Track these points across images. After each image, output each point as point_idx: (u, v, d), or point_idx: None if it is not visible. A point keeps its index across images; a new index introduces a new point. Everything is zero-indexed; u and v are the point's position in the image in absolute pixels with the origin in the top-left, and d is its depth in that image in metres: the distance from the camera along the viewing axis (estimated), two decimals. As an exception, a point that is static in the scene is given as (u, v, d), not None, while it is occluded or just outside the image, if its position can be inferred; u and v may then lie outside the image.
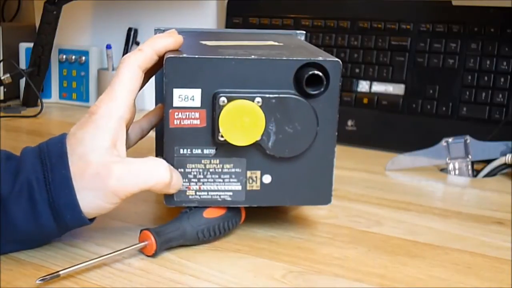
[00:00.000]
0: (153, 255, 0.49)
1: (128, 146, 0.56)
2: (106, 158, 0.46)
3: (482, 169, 0.77)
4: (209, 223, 0.51)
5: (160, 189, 0.49)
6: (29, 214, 0.46)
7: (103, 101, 0.48)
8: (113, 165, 0.46)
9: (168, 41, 0.50)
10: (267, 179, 0.52)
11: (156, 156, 0.67)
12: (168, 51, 0.50)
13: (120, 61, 0.50)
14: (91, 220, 0.49)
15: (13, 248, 0.48)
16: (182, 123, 0.49)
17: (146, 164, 0.48)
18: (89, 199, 0.46)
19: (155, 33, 0.59)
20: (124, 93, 0.48)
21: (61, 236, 0.50)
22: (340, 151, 0.53)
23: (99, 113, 0.47)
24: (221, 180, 0.51)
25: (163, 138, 0.50)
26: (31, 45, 1.11)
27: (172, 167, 0.50)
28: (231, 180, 0.51)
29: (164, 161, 0.49)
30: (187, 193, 0.51)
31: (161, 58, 0.51)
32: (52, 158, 0.46)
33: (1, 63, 1.15)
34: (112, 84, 0.49)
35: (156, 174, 0.48)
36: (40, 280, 0.43)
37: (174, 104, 0.49)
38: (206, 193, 0.52)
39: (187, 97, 0.49)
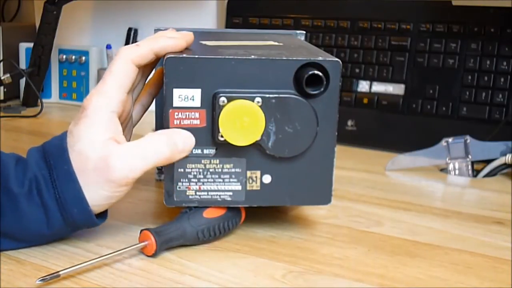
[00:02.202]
0: (153, 255, 0.49)
1: (133, 125, 0.57)
2: (103, 152, 0.47)
3: (482, 169, 0.77)
4: (209, 223, 0.51)
5: (169, 162, 0.49)
6: (38, 211, 0.47)
7: (94, 95, 0.49)
8: (110, 157, 0.46)
9: (168, 42, 0.50)
10: (267, 179, 0.52)
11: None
12: (168, 52, 0.50)
13: (115, 53, 0.51)
14: (100, 219, 0.50)
15: (23, 246, 0.49)
16: (182, 123, 0.49)
17: (141, 146, 0.48)
18: (95, 192, 0.47)
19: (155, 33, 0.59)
20: (115, 87, 0.49)
21: (68, 235, 0.50)
22: (340, 151, 0.53)
23: (91, 108, 0.48)
24: (221, 180, 0.51)
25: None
26: (31, 45, 1.11)
27: (175, 131, 0.49)
28: (231, 180, 0.51)
29: (162, 135, 0.49)
30: (187, 193, 0.51)
31: (159, 58, 0.51)
32: (54, 156, 0.47)
33: (1, 63, 1.15)
34: (104, 77, 0.49)
35: (153, 152, 0.48)
36: (40, 280, 0.43)
37: (174, 104, 0.49)
38: (206, 193, 0.52)
39: (187, 97, 0.49)
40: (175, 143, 0.49)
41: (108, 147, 0.47)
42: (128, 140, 0.55)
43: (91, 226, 0.50)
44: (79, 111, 0.49)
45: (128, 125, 0.55)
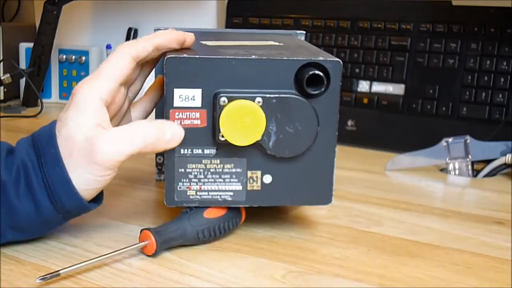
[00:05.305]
0: (153, 255, 0.49)
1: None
2: (89, 134, 0.47)
3: (482, 169, 0.77)
4: (210, 223, 0.51)
5: (155, 149, 0.49)
6: (27, 196, 0.46)
7: (86, 81, 0.49)
8: (96, 139, 0.46)
9: (167, 36, 0.50)
10: (267, 179, 0.52)
11: (156, 156, 0.67)
12: (169, 48, 0.50)
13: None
14: (93, 204, 0.49)
15: (15, 236, 0.48)
16: (182, 123, 0.49)
17: (127, 130, 0.48)
18: (81, 176, 0.47)
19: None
20: (109, 75, 0.49)
21: (63, 223, 0.50)
22: (340, 151, 0.53)
23: (80, 92, 0.48)
24: (222, 180, 0.51)
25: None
26: (31, 45, 1.11)
27: (166, 122, 0.49)
28: (232, 180, 0.51)
29: (151, 122, 0.49)
30: (188, 193, 0.51)
31: (160, 54, 0.51)
32: (42, 141, 0.48)
33: (1, 63, 1.15)
34: (100, 67, 0.50)
35: (140, 135, 0.48)
36: (40, 279, 0.43)
37: (175, 104, 0.49)
38: (206, 193, 0.52)
39: (187, 97, 0.49)
40: (164, 132, 0.49)
41: (94, 130, 0.47)
42: None
43: (82, 210, 0.49)
44: (70, 98, 0.49)
45: (117, 119, 0.54)
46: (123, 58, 0.49)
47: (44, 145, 0.47)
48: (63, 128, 0.47)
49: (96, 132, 0.47)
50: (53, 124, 0.49)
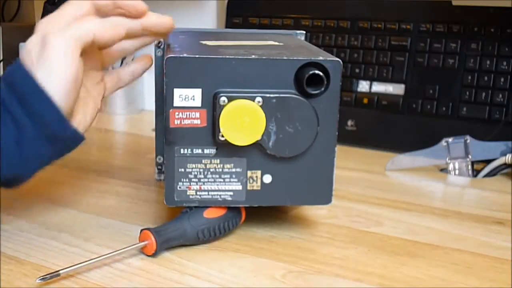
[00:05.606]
0: (153, 255, 0.49)
1: (105, 94, 0.56)
2: (40, 35, 0.46)
3: (482, 169, 0.77)
4: (210, 223, 0.51)
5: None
6: (6, 121, 0.45)
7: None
8: (47, 36, 0.45)
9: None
10: (267, 179, 0.52)
11: (156, 156, 0.67)
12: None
13: None
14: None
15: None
16: (182, 123, 0.49)
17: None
18: (48, 82, 0.45)
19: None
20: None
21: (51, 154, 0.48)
22: (340, 151, 0.53)
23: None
24: (222, 180, 0.51)
25: (164, 138, 0.50)
26: (31, 45, 1.11)
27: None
28: (232, 180, 0.51)
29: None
30: (188, 193, 0.51)
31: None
32: (16, 77, 0.46)
33: (1, 63, 1.15)
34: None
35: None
36: (40, 279, 0.43)
37: (175, 104, 0.49)
38: (206, 193, 0.52)
39: (187, 97, 0.49)
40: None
41: (43, 30, 0.46)
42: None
43: (63, 124, 0.47)
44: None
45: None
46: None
47: (15, 75, 0.46)
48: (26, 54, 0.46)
49: (46, 31, 0.46)
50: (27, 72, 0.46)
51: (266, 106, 0.49)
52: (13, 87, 0.46)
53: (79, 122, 0.50)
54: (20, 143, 0.45)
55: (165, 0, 1.12)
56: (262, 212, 0.57)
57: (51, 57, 0.45)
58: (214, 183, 0.51)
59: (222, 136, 0.49)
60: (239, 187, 0.52)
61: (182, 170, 0.51)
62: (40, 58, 0.45)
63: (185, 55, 0.49)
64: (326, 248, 0.53)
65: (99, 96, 0.54)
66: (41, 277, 0.43)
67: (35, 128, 0.45)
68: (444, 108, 0.86)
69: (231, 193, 0.52)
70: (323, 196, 0.53)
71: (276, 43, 0.58)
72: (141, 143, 0.59)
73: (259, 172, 0.51)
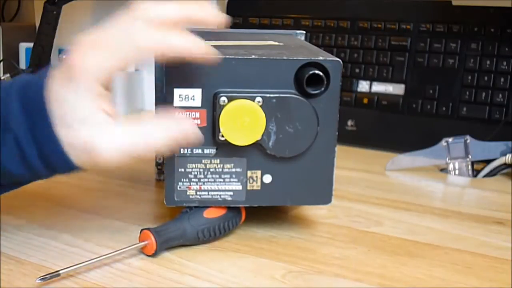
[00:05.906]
0: (153, 255, 0.49)
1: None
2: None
3: (482, 169, 0.77)
4: (210, 223, 0.51)
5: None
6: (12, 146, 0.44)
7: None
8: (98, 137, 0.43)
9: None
10: (267, 179, 0.52)
11: (156, 156, 0.67)
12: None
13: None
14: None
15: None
16: (182, 123, 0.49)
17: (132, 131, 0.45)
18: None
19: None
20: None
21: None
22: (340, 151, 0.53)
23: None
24: (222, 180, 0.51)
25: (163, 138, 0.50)
26: (31, 45, 1.10)
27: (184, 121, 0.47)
28: (232, 180, 0.51)
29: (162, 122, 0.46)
30: (188, 193, 0.51)
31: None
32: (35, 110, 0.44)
33: (1, 63, 1.15)
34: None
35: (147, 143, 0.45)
36: (40, 279, 0.43)
37: (175, 104, 0.49)
38: (206, 192, 0.52)
39: (187, 97, 0.49)
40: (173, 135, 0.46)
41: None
42: None
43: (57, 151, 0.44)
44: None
45: None
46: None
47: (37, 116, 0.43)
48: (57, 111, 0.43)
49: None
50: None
51: (266, 106, 0.49)
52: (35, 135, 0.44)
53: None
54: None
55: (165, 0, 1.11)
56: (262, 212, 0.57)
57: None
58: (214, 183, 0.51)
59: (222, 136, 0.49)
60: (239, 187, 0.52)
61: (182, 170, 0.51)
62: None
63: (185, 55, 0.49)
64: (326, 248, 0.53)
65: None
66: (41, 277, 0.43)
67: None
68: (444, 108, 0.86)
69: (231, 193, 0.52)
70: (323, 196, 0.53)
71: (276, 43, 0.58)
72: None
73: (259, 172, 0.51)
